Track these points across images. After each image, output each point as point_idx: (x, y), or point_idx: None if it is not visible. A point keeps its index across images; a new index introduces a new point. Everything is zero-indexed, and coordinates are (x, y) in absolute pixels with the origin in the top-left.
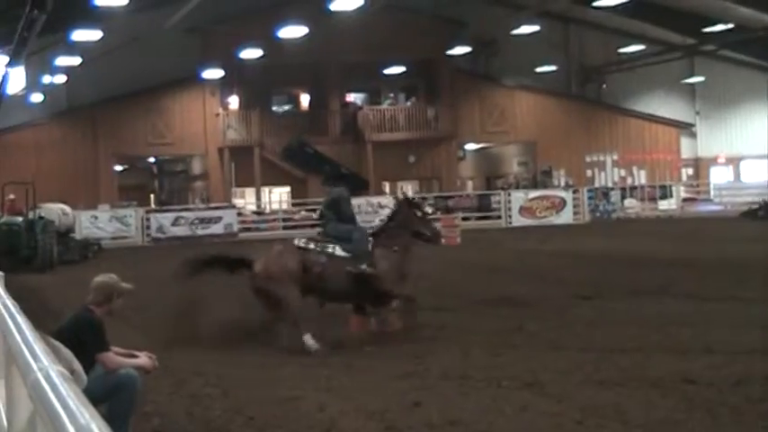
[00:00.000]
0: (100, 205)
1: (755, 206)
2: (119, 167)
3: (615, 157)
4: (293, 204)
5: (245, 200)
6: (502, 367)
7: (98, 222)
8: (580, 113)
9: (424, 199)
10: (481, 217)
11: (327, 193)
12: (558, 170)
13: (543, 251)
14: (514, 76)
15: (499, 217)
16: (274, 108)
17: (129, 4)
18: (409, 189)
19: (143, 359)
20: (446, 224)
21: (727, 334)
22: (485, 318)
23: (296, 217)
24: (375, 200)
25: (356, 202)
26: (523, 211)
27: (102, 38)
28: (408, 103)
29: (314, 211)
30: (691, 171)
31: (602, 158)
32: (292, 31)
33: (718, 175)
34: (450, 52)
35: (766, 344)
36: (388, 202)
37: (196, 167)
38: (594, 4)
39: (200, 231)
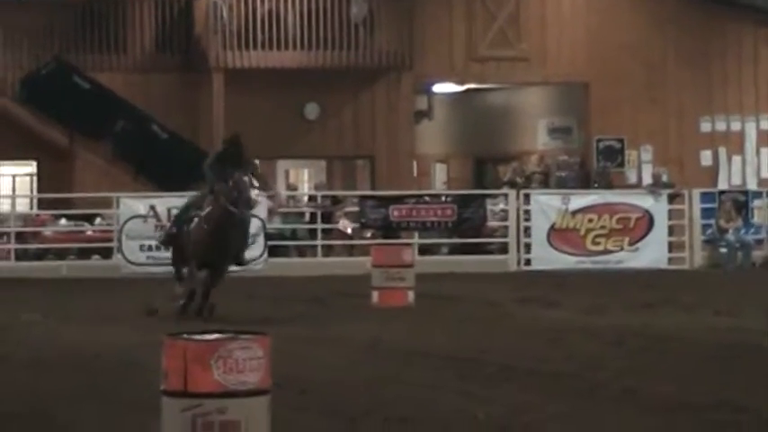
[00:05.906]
0: None
1: None
2: None
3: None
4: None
5: None
6: None
7: None
8: (691, 23)
9: (336, 202)
10: (463, 246)
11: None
12: (635, 149)
13: (596, 329)
14: None
15: (504, 249)
16: None
17: None
18: (305, 177)
19: None
20: (383, 260)
21: None
22: None
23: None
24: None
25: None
26: (557, 236)
27: None
28: None
29: (89, 220)
30: None
31: (735, 124)
32: None
33: None
34: None
35: None
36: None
37: None
38: None
39: None
